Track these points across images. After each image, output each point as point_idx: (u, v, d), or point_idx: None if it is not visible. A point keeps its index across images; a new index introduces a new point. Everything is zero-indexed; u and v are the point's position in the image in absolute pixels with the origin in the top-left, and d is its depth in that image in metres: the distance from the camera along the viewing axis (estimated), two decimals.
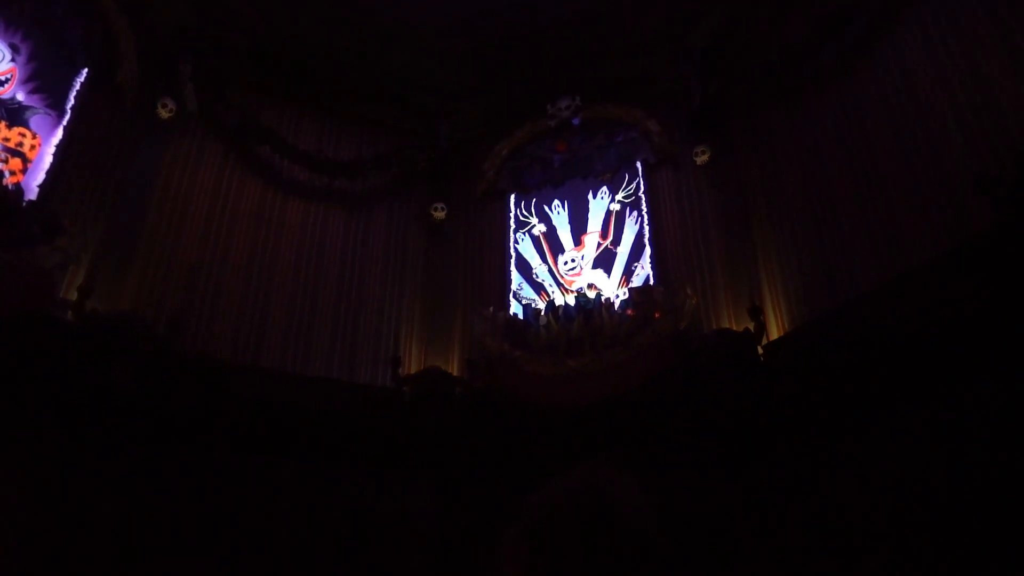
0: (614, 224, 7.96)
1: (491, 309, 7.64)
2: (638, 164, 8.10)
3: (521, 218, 8.42)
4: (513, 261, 8.15)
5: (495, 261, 8.25)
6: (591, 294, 7.59)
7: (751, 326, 6.28)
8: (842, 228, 6.32)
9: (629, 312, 7.09)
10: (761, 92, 7.54)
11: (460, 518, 6.21)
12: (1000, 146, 5.12)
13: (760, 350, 6.19)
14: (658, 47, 8.25)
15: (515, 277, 8.05)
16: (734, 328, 6.49)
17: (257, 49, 8.42)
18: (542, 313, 7.44)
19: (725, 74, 7.82)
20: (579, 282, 7.80)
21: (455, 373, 7.41)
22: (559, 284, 7.88)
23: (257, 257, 7.58)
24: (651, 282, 7.41)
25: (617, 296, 7.48)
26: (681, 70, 8.03)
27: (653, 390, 6.19)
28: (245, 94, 8.22)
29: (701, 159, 7.72)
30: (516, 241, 8.29)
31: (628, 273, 7.62)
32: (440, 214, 8.48)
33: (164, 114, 7.49)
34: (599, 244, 7.93)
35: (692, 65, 7.94)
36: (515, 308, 7.84)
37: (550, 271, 8.00)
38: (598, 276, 7.77)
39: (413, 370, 7.48)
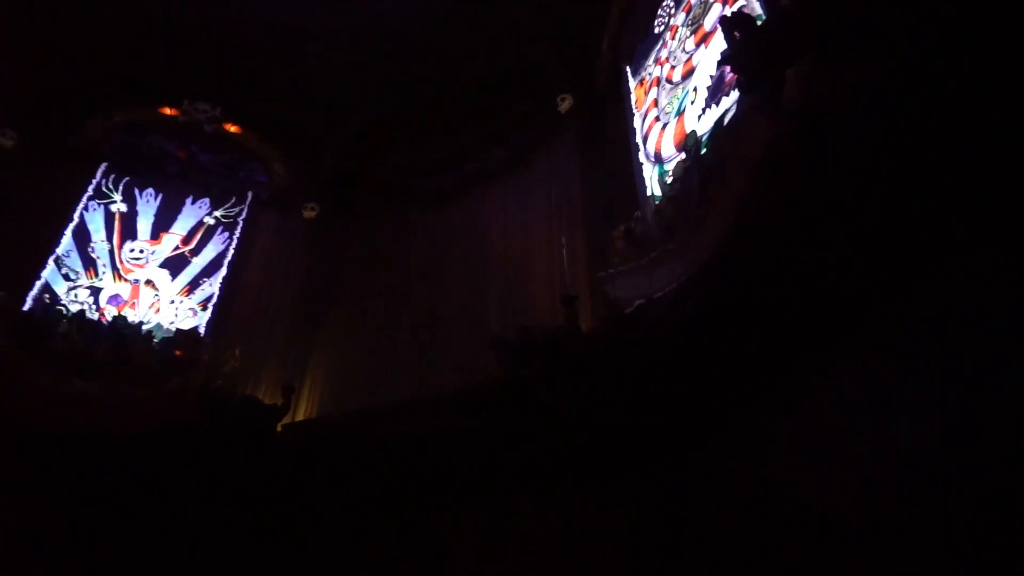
0: (201, 235, 7.96)
1: (3, 293, 6.35)
2: (249, 194, 8.40)
3: (103, 189, 7.84)
4: (73, 226, 7.42)
5: (52, 219, 7.32)
6: (147, 293, 7.33)
7: (280, 402, 6.43)
8: (397, 338, 7.14)
9: (177, 353, 6.62)
10: (385, 190, 8.56)
11: None
12: (521, 314, 6.40)
13: (279, 428, 6.32)
14: (322, 110, 8.77)
15: (67, 242, 7.31)
16: (266, 400, 6.58)
17: None
18: (65, 320, 6.44)
19: (364, 158, 8.71)
20: (139, 274, 7.46)
21: None
22: (115, 268, 7.42)
23: None
24: (213, 301, 7.50)
25: (172, 302, 7.37)
26: (329, 138, 8.75)
27: (163, 439, 5.74)
28: None
29: (308, 214, 8.39)
30: (87, 208, 7.61)
31: (194, 285, 7.59)
32: (8, 141, 7.38)
33: None
34: (177, 247, 7.80)
35: (341, 139, 8.75)
36: (51, 272, 7.05)
37: (111, 252, 7.50)
38: (162, 276, 7.55)
39: None
